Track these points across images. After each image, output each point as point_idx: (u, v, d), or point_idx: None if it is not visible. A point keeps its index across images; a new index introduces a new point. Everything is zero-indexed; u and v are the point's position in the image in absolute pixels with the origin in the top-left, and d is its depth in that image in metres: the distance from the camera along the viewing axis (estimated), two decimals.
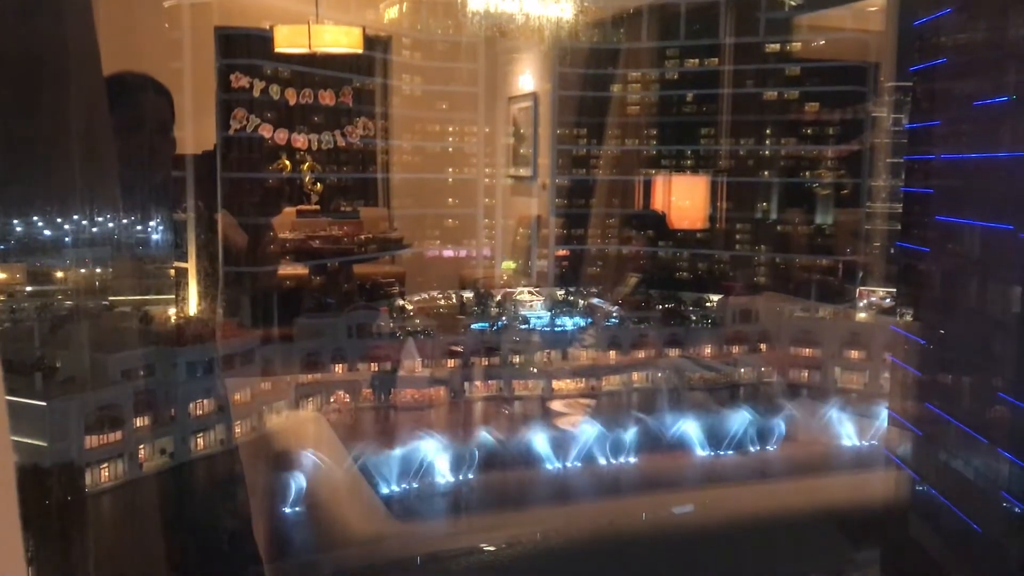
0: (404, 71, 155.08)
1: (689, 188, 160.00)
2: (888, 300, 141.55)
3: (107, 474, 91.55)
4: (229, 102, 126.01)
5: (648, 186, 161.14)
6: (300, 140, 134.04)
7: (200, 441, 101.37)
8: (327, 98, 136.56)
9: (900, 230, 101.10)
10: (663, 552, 79.69)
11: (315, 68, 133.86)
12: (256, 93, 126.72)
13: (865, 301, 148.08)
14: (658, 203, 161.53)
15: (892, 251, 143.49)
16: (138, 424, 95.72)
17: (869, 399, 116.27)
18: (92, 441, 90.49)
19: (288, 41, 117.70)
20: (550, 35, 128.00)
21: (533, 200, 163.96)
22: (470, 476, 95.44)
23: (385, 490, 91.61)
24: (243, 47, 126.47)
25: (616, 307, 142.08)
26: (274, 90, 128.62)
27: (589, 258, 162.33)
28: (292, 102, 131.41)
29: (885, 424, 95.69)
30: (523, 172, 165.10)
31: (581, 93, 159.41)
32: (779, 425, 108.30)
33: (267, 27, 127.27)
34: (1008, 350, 65.70)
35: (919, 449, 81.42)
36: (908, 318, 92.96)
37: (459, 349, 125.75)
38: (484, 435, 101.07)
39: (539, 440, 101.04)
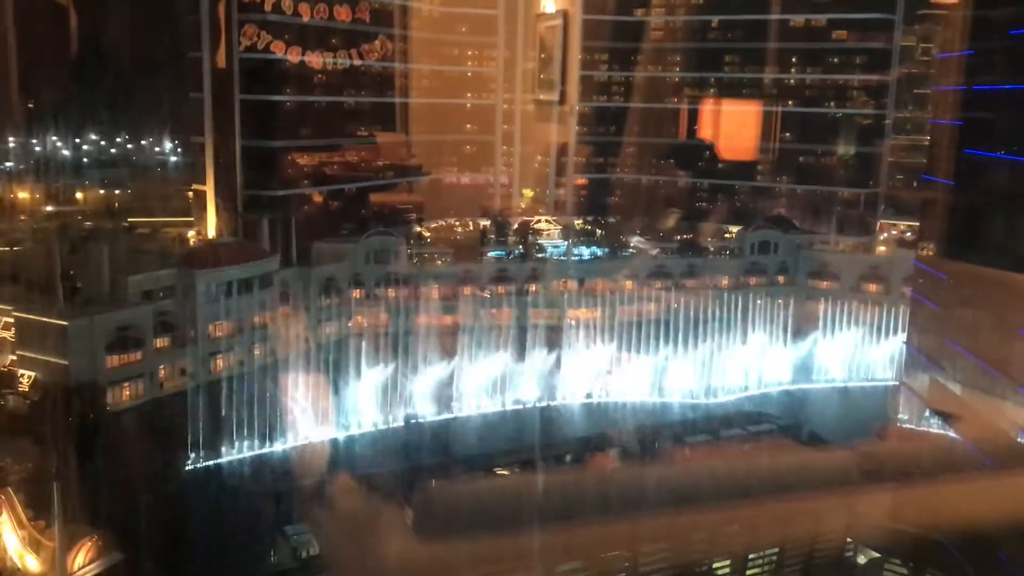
0: None
1: (739, 117, 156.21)
2: (909, 233, 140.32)
3: (128, 393, 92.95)
4: (239, 20, 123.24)
5: (694, 114, 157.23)
6: (315, 59, 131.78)
7: (219, 362, 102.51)
8: (343, 14, 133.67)
9: (926, 162, 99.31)
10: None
11: None
12: (268, 8, 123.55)
13: (885, 234, 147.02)
14: (706, 132, 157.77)
15: (915, 184, 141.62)
16: (158, 344, 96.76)
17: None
18: (113, 361, 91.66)
19: None
20: None
21: (560, 127, 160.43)
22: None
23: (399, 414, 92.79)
24: None
25: (657, 248, 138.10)
26: (286, 4, 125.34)
27: (628, 190, 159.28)
28: (306, 18, 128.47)
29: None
30: (549, 96, 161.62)
31: (613, 18, 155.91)
32: None
33: None
34: None
35: (936, 384, 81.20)
36: (929, 252, 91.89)
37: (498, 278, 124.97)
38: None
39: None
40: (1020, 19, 66.86)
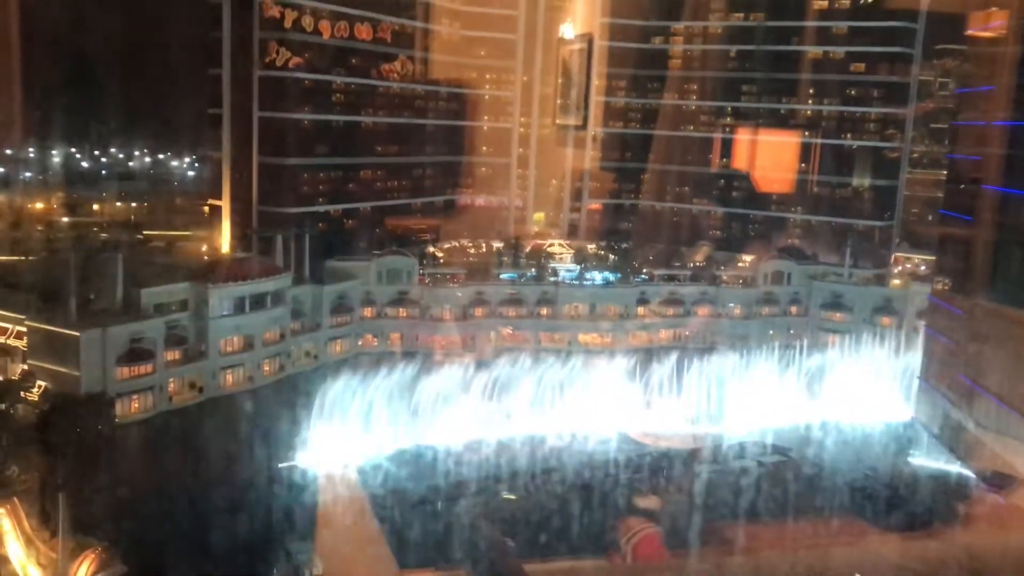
0: (444, 15, 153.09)
1: (755, 147, 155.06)
2: (923, 267, 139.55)
3: (137, 405, 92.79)
4: (260, 36, 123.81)
5: (710, 143, 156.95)
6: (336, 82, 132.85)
7: (230, 377, 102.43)
8: (364, 33, 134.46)
9: (943, 197, 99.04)
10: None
11: (354, 8, 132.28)
12: (287, 25, 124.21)
13: (900, 268, 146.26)
14: (722, 161, 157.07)
15: (931, 218, 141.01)
16: (169, 358, 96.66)
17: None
18: (124, 372, 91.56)
19: None
20: None
21: (577, 151, 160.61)
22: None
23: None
24: None
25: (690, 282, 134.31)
26: (307, 22, 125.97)
27: (642, 216, 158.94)
28: (326, 36, 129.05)
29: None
30: (569, 121, 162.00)
31: (633, 45, 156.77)
32: None
33: None
34: None
35: (950, 420, 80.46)
36: (944, 287, 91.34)
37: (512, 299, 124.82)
38: None
39: None
40: None
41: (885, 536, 64.20)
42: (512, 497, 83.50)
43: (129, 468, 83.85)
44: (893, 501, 77.39)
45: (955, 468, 79.20)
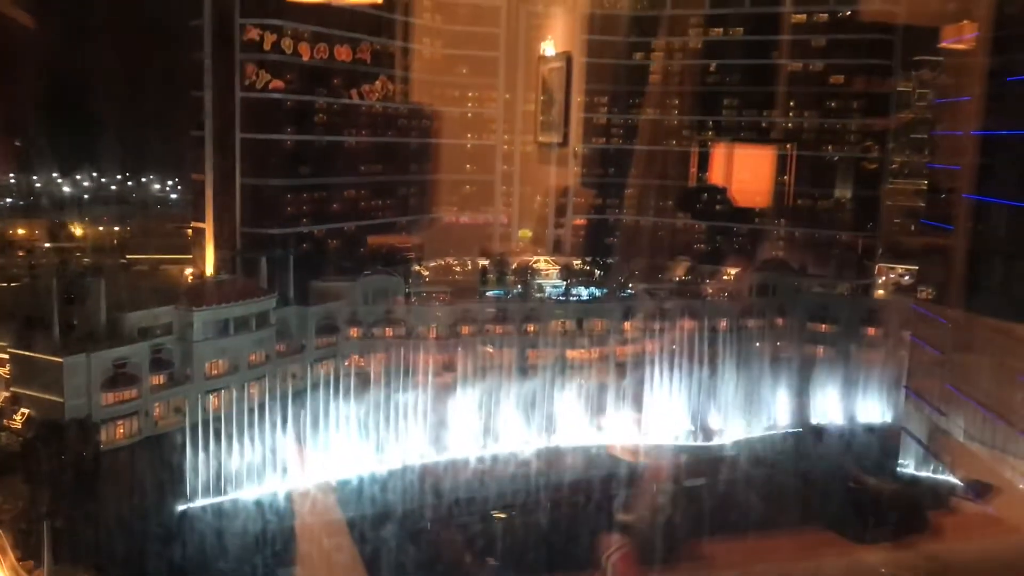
0: (425, 34, 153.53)
1: (737, 160, 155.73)
2: (907, 277, 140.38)
3: (123, 431, 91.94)
4: (240, 59, 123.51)
5: (692, 157, 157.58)
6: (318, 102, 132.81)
7: (215, 400, 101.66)
8: (343, 54, 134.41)
9: (924, 207, 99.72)
10: None
11: (334, 29, 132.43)
12: (267, 47, 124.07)
13: (884, 278, 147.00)
14: (704, 175, 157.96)
15: (913, 228, 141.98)
16: (154, 382, 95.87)
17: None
18: (108, 398, 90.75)
19: None
20: None
21: (560, 168, 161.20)
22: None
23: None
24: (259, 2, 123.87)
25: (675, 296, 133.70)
26: (286, 44, 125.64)
27: (627, 231, 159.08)
28: (306, 57, 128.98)
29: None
30: (551, 138, 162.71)
31: (614, 61, 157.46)
32: None
33: None
34: None
35: (936, 428, 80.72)
36: (928, 296, 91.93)
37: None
38: None
39: None
40: (1018, 67, 67.53)
41: (865, 546, 64.34)
42: (502, 515, 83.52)
43: (115, 494, 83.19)
44: (875, 511, 77.68)
45: (939, 477, 79.51)
